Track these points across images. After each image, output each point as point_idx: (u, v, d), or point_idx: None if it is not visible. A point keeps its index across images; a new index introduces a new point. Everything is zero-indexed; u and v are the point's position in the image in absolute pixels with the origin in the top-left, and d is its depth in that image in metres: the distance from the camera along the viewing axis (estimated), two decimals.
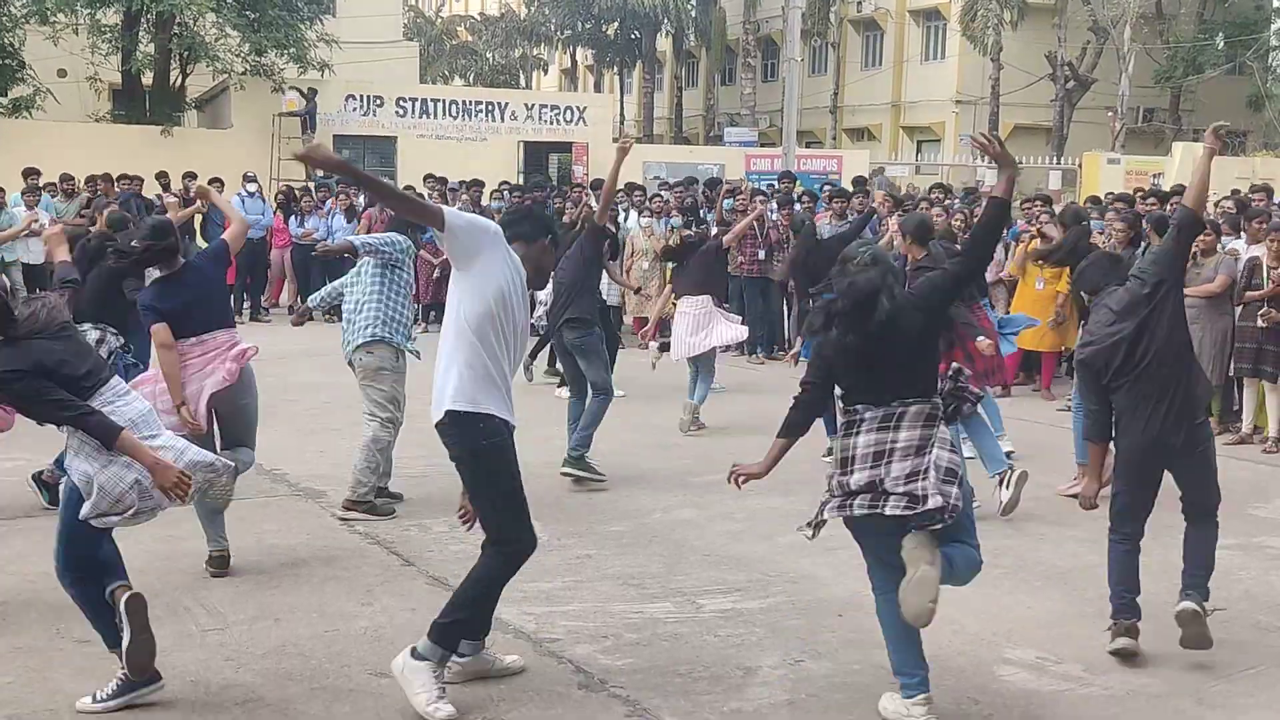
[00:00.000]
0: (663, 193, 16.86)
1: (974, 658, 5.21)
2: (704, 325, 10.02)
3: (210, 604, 5.71)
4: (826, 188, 16.81)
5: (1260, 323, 9.42)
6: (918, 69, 40.09)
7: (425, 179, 18.62)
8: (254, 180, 17.92)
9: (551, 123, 28.24)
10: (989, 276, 11.56)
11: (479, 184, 17.63)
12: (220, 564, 6.11)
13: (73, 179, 17.55)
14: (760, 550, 6.71)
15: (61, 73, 26.38)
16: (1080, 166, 29.38)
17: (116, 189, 17.58)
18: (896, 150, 38.70)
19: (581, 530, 7.04)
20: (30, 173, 17.15)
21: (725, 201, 15.06)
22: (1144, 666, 5.14)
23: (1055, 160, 31.26)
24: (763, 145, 33.81)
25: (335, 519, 7.23)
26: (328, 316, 13.23)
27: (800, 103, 27.41)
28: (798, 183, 19.08)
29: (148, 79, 27.12)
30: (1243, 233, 10.75)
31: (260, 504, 7.43)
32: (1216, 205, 12.59)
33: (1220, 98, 38.02)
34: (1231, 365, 9.83)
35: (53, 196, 17.08)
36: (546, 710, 4.60)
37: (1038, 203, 12.91)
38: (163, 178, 18.81)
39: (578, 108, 29.08)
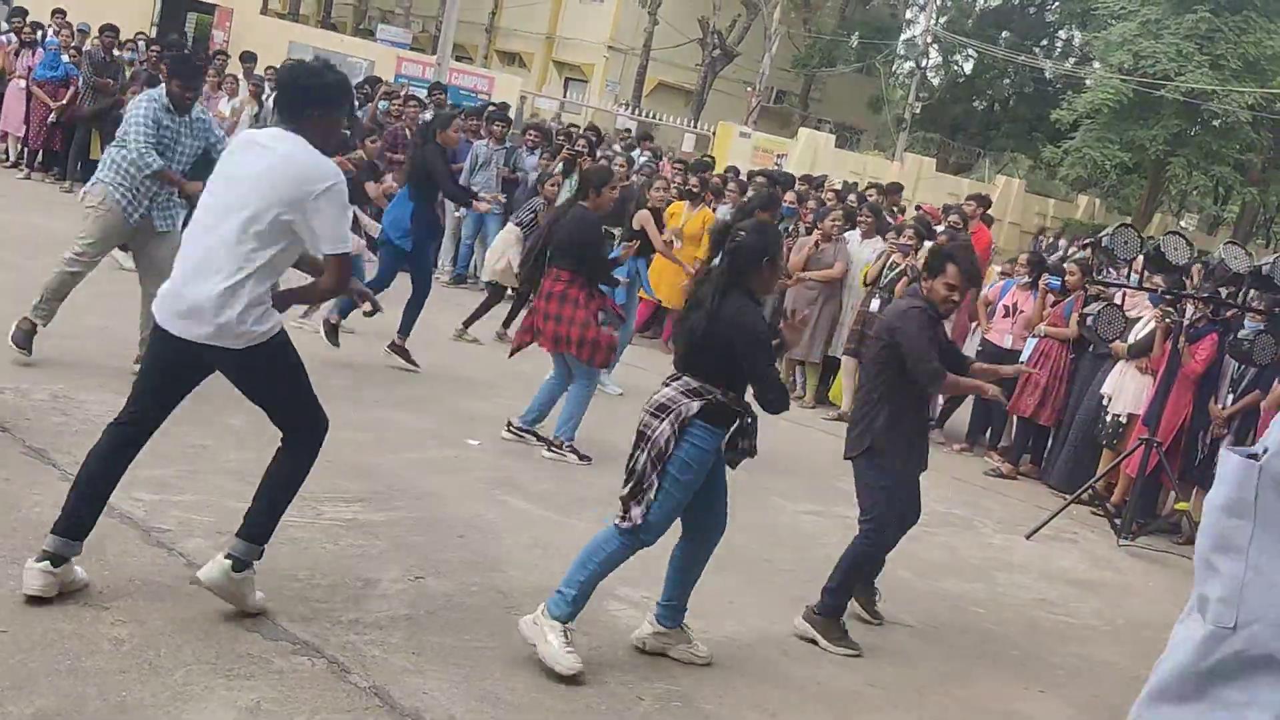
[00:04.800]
0: None
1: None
2: None
3: None
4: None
5: None
6: (576, 7, 40.43)
7: (53, 14, 16.98)
8: None
9: None
10: None
11: (113, 29, 16.26)
12: None
13: None
14: (385, 463, 6.65)
15: None
16: (714, 134, 30.65)
17: None
18: (545, 82, 38.95)
19: (199, 418, 6.71)
20: None
21: (381, 103, 14.67)
22: (740, 618, 5.52)
23: (693, 124, 32.44)
24: (413, 49, 33.09)
25: None
26: None
27: (458, 15, 27.01)
28: (446, 95, 18.85)
29: None
30: (857, 226, 11.55)
31: None
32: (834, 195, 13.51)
33: (846, 93, 40.74)
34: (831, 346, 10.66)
35: None
36: (153, 603, 4.37)
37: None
38: None
39: None
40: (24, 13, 16.72)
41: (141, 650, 4.04)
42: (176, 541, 4.98)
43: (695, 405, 4.58)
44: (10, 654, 3.85)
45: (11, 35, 15.59)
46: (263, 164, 4.24)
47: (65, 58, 15.28)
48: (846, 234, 11.33)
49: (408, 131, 14.13)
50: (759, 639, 5.34)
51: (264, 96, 15.04)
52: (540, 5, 40.96)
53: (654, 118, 32.02)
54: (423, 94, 17.70)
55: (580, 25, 39.78)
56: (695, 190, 12.09)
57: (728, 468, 4.89)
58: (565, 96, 35.96)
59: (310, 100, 4.32)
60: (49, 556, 4.21)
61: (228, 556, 4.32)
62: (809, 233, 11.30)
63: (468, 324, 10.56)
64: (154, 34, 22.18)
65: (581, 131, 15.54)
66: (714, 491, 4.83)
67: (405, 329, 9.11)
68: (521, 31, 41.07)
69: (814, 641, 5.36)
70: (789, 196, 13.13)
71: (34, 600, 4.17)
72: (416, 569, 5.23)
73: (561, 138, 14.37)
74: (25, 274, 9.12)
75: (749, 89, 36.01)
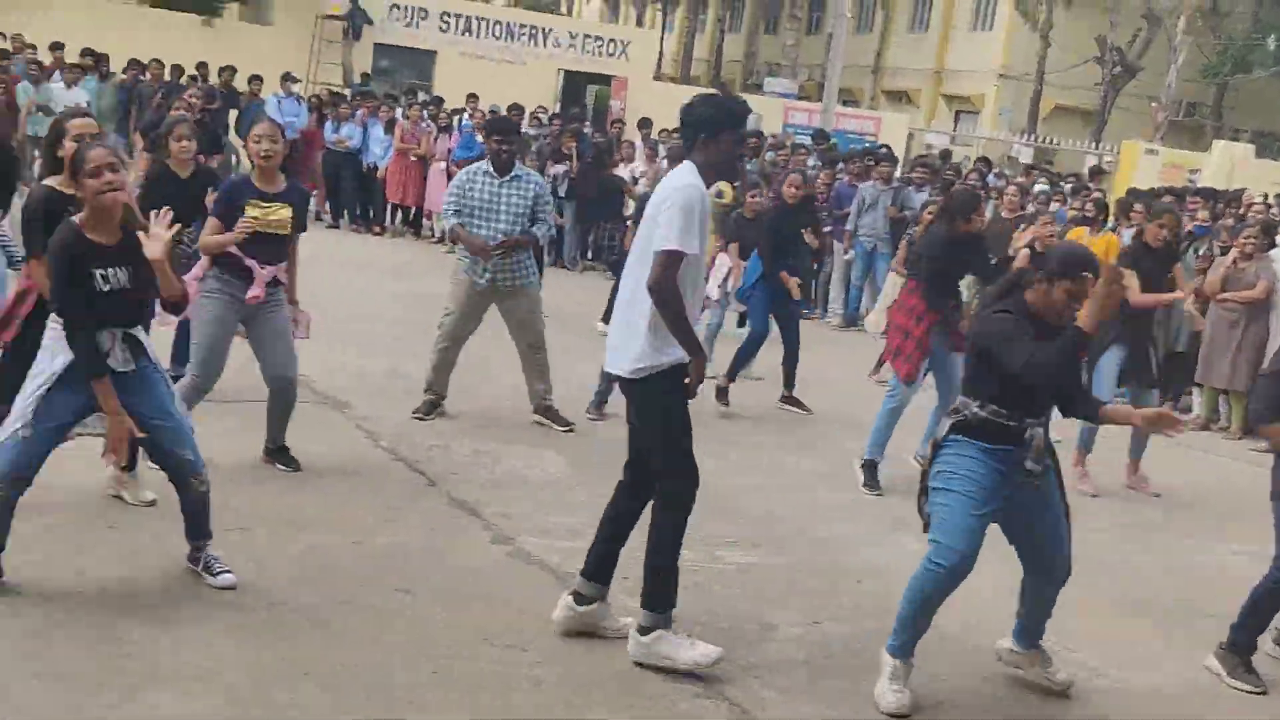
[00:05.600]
0: None
1: (988, 640, 5.23)
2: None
3: (233, 504, 5.72)
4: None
5: None
6: (964, 38, 39.62)
7: (467, 99, 18.51)
8: (298, 81, 17.81)
9: (594, 53, 27.93)
10: None
11: (519, 108, 17.53)
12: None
13: (106, 59, 17.42)
14: (780, 507, 6.74)
15: None
16: (1118, 154, 29.13)
17: (148, 76, 17.50)
18: (934, 117, 38.39)
19: (607, 470, 7.03)
20: (56, 46, 17.13)
21: (767, 154, 14.97)
22: (1161, 666, 5.18)
23: (1094, 145, 30.99)
24: (799, 99, 33.52)
25: (360, 431, 7.26)
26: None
27: (843, 60, 27.12)
28: (833, 142, 18.97)
29: None
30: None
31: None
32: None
33: (1264, 99, 37.65)
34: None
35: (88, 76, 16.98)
36: (567, 644, 4.63)
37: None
38: (202, 69, 18.72)
39: (621, 41, 28.75)
40: (440, 100, 18.37)
41: (557, 690, 4.28)
42: None
43: (946, 424, 4.51)
44: (441, 691, 4.18)
45: (430, 122, 17.09)
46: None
47: (479, 138, 16.54)
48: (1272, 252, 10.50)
49: None
50: (1183, 690, 4.99)
51: (659, 159, 15.69)
52: (926, 40, 40.50)
53: (1051, 143, 30.87)
54: (808, 141, 17.93)
55: (969, 56, 38.93)
56: (1090, 215, 11.52)
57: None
58: (955, 129, 35.26)
59: (692, 126, 4.55)
60: (573, 593, 4.72)
61: (638, 629, 4.56)
62: (1225, 252, 10.52)
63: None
64: (556, 108, 23.64)
65: (972, 165, 15.14)
66: (1039, 530, 4.57)
67: (788, 383, 9.21)
68: (907, 69, 40.70)
69: (1219, 676, 5.09)
70: (1201, 215, 12.31)
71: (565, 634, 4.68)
72: (814, 613, 5.25)
73: (950, 173, 14.12)
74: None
75: (1154, 104, 33.99)
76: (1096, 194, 13.33)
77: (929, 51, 40.22)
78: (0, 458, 4.41)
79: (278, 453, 6.42)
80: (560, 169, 15.49)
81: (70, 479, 5.46)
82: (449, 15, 26.86)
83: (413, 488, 6.36)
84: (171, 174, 6.58)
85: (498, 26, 27.32)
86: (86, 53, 17.31)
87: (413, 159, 16.81)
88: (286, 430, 6.42)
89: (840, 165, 14.94)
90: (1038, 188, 15.81)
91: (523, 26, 27.75)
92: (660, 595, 4.54)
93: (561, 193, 15.41)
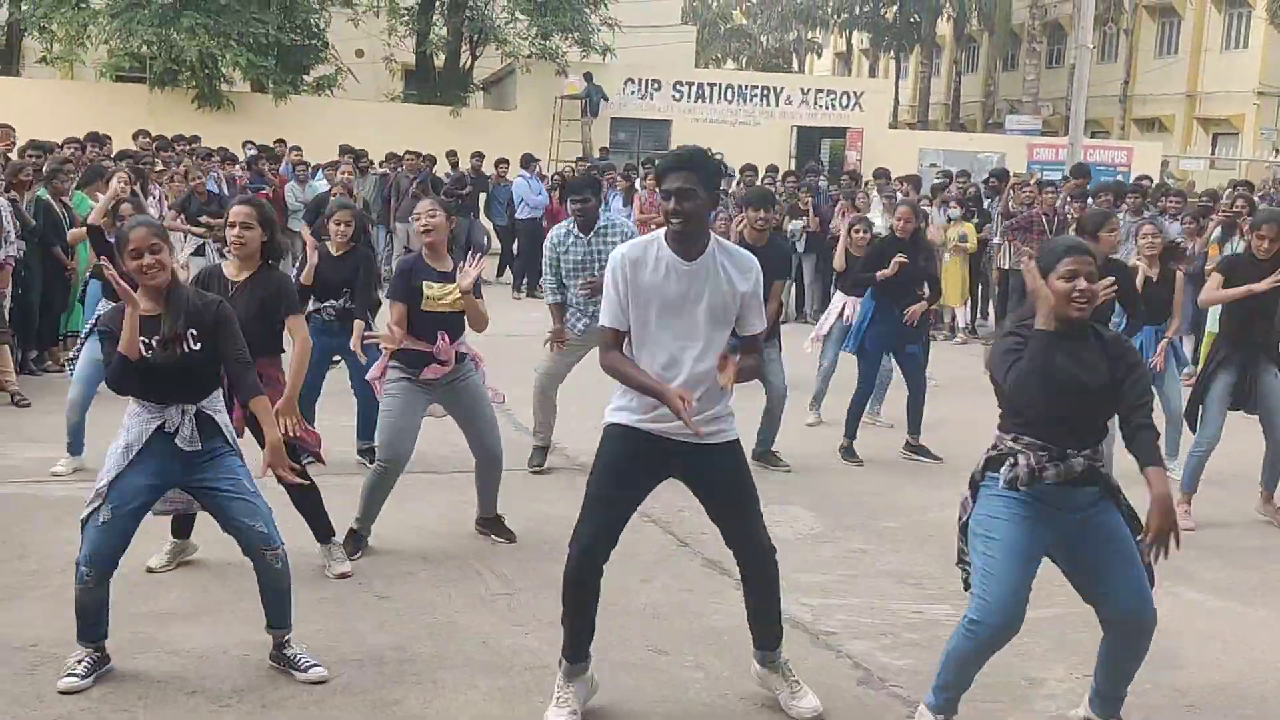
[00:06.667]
0: (942, 179, 16.49)
1: (1276, 685, 4.92)
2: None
3: (498, 570, 5.94)
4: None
5: None
6: (1217, 59, 37.82)
7: None
8: (538, 161, 18.49)
9: (826, 107, 27.98)
10: None
11: (752, 169, 17.69)
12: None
13: (365, 154, 18.47)
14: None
15: (359, 53, 27.88)
16: None
17: (404, 166, 18.46)
18: (1190, 143, 36.70)
19: (853, 524, 6.99)
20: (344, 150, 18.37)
21: (1010, 192, 14.64)
22: None
23: None
24: (1043, 134, 32.63)
25: None
26: None
27: (1087, 91, 26.30)
28: (1088, 177, 18.35)
29: (439, 61, 28.34)
30: None
31: (539, 476, 7.69)
32: None
33: None
34: None
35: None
36: (826, 703, 4.58)
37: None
38: (452, 156, 19.66)
39: (854, 93, 28.70)
40: None
41: None
42: (843, 644, 5.19)
43: (980, 461, 4.16)
44: None
45: None
46: None
47: None
48: None
49: (1043, 219, 13.97)
50: None
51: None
52: (1176, 65, 38.84)
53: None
54: (1056, 178, 17.43)
55: (1223, 77, 37.12)
56: None
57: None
58: (1213, 153, 33.59)
59: None
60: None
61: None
62: None
63: None
64: (790, 165, 23.71)
65: (1237, 191, 14.32)
66: (1103, 570, 4.08)
67: (913, 429, 8.81)
68: (1157, 95, 39.08)
69: None
70: None
71: None
72: (1083, 667, 5.02)
73: (1205, 198, 13.45)
74: None
75: None
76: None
77: (1180, 75, 38.55)
78: (84, 544, 4.47)
79: (491, 523, 6.51)
80: (798, 224, 15.53)
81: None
82: (681, 84, 27.45)
83: (665, 548, 6.45)
84: (327, 253, 7.55)
85: (729, 90, 27.73)
86: (345, 150, 18.37)
87: (653, 227, 17.13)
88: (497, 501, 6.51)
89: (1089, 199, 14.45)
90: None
91: (754, 88, 28.07)
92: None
93: (800, 248, 15.42)
